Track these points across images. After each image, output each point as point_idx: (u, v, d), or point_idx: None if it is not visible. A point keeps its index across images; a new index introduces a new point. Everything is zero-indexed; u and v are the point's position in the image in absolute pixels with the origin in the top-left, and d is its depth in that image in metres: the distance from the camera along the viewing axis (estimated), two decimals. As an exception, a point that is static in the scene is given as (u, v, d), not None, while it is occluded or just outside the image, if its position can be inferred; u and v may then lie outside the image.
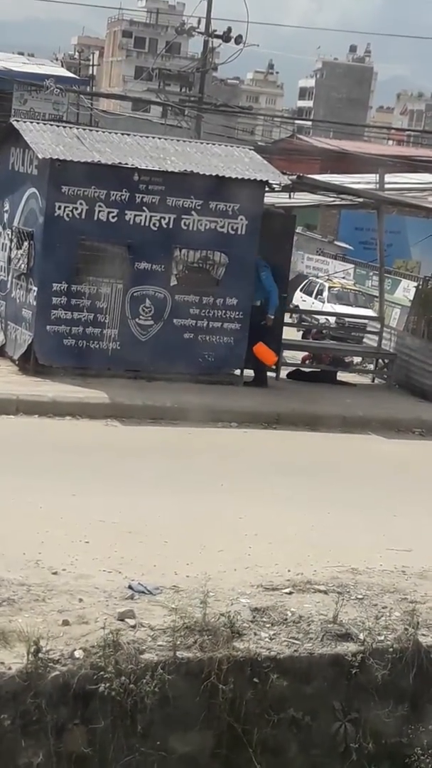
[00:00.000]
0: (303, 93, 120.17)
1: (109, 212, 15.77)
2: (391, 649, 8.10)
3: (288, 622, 8.13)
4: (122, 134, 17.49)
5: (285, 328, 18.76)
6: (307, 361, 19.99)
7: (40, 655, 7.09)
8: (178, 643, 7.53)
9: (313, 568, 9.28)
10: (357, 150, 40.71)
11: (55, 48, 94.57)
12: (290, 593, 8.63)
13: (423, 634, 8.27)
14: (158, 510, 10.46)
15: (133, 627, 7.65)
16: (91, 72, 66.35)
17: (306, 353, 20.36)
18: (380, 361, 20.23)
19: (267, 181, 16.97)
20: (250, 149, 18.84)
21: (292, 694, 7.75)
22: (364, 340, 21.83)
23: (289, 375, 18.78)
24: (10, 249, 16.76)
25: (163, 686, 7.30)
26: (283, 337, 18.33)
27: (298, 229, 29.82)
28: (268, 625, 8.05)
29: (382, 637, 8.18)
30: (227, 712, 7.53)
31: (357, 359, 21.16)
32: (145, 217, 15.97)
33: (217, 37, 40.57)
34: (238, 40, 39.44)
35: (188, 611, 7.89)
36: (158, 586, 8.39)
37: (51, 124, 18.14)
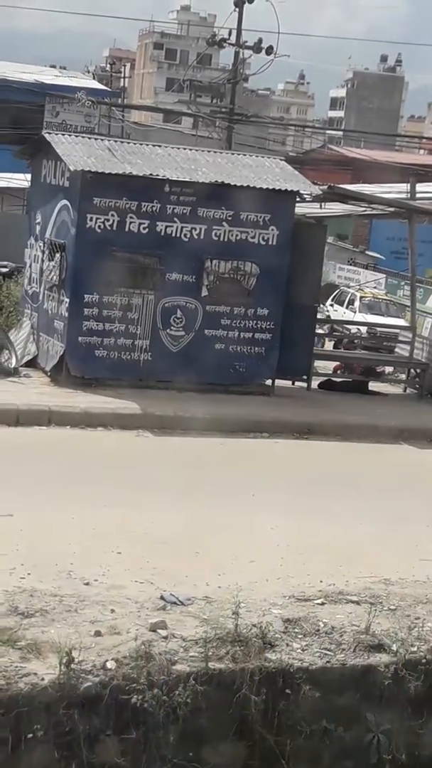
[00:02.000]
0: (334, 103, 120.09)
1: (140, 223, 15.82)
2: (424, 660, 8.06)
3: (320, 633, 8.11)
4: (153, 146, 17.54)
5: (316, 338, 18.73)
6: (338, 371, 19.96)
7: (73, 665, 7.09)
8: (210, 654, 7.52)
9: (346, 578, 9.25)
10: (388, 159, 40.62)
11: (87, 60, 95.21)
12: (322, 604, 8.61)
13: (456, 646, 8.22)
14: (190, 521, 10.46)
15: (165, 638, 7.65)
16: (122, 84, 66.68)
17: (338, 363, 20.33)
18: (412, 370, 20.16)
19: (298, 191, 16.97)
20: (281, 159, 18.85)
21: (325, 705, 7.72)
22: (396, 349, 21.76)
23: (320, 385, 18.76)
24: (42, 261, 16.85)
25: (195, 697, 7.29)
26: (315, 347, 18.31)
27: (330, 239, 29.81)
28: (300, 636, 8.03)
29: (415, 648, 8.13)
30: (259, 724, 7.50)
31: (389, 369, 21.10)
32: (177, 228, 16.01)
33: (248, 48, 40.58)
34: (269, 50, 39.45)
35: (220, 622, 7.88)
36: (190, 597, 8.39)
37: (82, 136, 18.23)
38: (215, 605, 8.25)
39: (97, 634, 7.56)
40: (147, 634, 7.64)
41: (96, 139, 18.29)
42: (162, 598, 8.31)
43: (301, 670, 7.68)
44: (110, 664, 7.25)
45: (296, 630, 8.09)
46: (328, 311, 29.00)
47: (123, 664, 7.27)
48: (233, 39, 41.09)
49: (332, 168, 41.77)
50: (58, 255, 16.13)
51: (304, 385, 18.17)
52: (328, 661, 7.82)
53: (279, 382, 17.29)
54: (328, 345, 22.67)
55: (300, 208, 18.21)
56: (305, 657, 7.80)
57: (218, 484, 12.05)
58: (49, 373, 16.18)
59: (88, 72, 70.00)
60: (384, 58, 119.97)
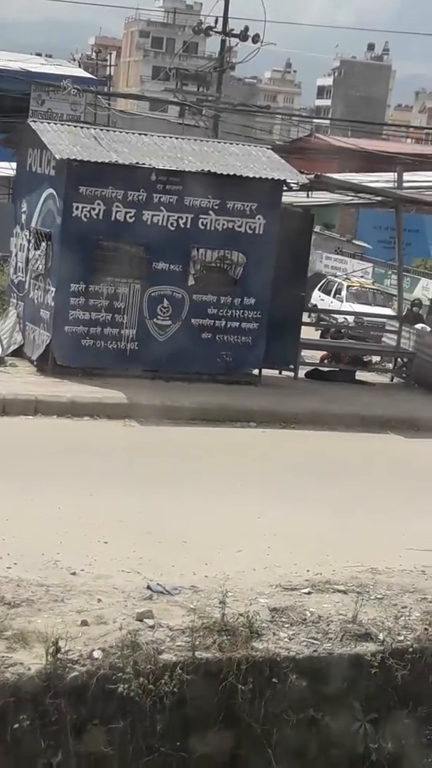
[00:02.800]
0: (321, 92, 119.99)
1: (126, 212, 15.78)
2: (411, 650, 8.07)
3: (307, 622, 8.12)
4: (139, 134, 17.49)
5: (303, 327, 18.73)
6: (325, 361, 19.96)
7: (59, 655, 7.09)
8: (197, 643, 7.52)
9: (332, 567, 9.25)
10: (375, 148, 40.61)
11: (73, 49, 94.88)
12: (309, 593, 8.61)
13: (443, 634, 8.24)
14: (176, 510, 10.46)
15: (152, 627, 7.64)
16: (108, 72, 66.44)
17: (324, 352, 20.33)
18: (399, 360, 20.18)
19: (285, 180, 16.94)
20: (268, 148, 18.81)
21: (312, 694, 7.73)
22: (383, 339, 21.78)
23: (307, 374, 18.76)
24: (28, 250, 16.80)
25: (182, 686, 7.29)
26: (302, 336, 18.31)
27: (317, 228, 29.78)
28: (287, 626, 8.03)
29: (402, 637, 8.15)
30: (246, 713, 7.51)
31: (376, 358, 21.11)
32: (163, 216, 15.97)
33: (235, 36, 40.52)
34: (256, 39, 39.41)
35: (207, 611, 7.88)
36: (177, 587, 8.38)
37: (68, 125, 18.17)
38: (202, 595, 8.24)
39: (84, 623, 7.55)
40: (134, 623, 7.63)
41: (82, 127, 18.22)
42: (149, 587, 8.30)
43: (287, 660, 7.68)
44: (97, 654, 7.25)
45: (283, 619, 8.10)
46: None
47: (110, 654, 7.27)
48: (219, 27, 41.04)
49: (319, 157, 41.72)
50: (44, 244, 16.07)
51: (291, 374, 18.17)
52: (315, 650, 7.83)
53: (266, 372, 17.28)
54: (315, 334, 22.66)
55: (287, 197, 18.17)
56: (292, 646, 7.80)
57: (205, 474, 12.04)
58: (35, 363, 16.14)
59: (74, 60, 69.83)
60: (371, 47, 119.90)
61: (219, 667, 7.47)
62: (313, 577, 8.99)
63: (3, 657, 7.05)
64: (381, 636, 8.09)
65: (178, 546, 9.44)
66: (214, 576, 8.65)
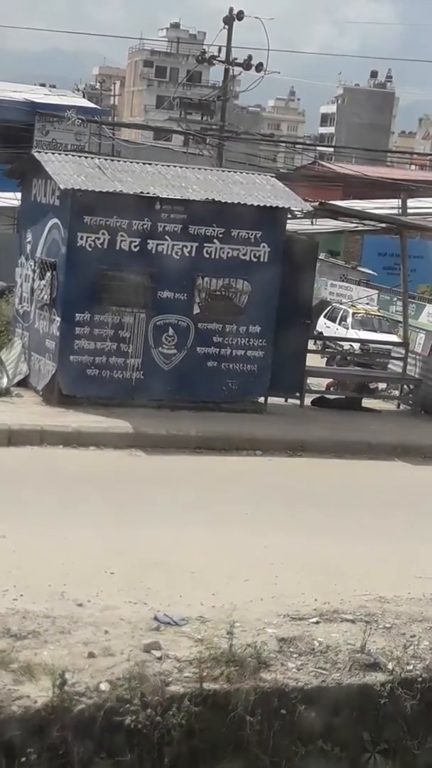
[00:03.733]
0: (324, 119, 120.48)
1: (131, 242, 15.81)
2: (420, 679, 8.02)
3: (315, 652, 8.07)
4: (144, 163, 17.55)
5: (309, 354, 18.72)
6: (331, 388, 19.95)
7: (66, 687, 7.05)
8: (205, 674, 7.47)
9: (340, 597, 9.20)
10: (379, 175, 40.73)
11: (77, 79, 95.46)
12: (317, 623, 8.56)
13: (452, 663, 8.18)
14: (183, 540, 10.42)
15: (159, 658, 7.60)
16: (112, 102, 66.86)
17: (330, 380, 20.31)
18: (405, 386, 20.14)
19: (289, 208, 16.98)
20: (272, 176, 18.86)
21: (321, 725, 7.67)
22: (389, 365, 21.76)
23: (313, 402, 18.73)
24: (33, 280, 16.83)
25: (189, 718, 7.24)
26: (307, 363, 18.30)
27: (321, 256, 29.85)
28: (295, 656, 7.98)
29: (411, 667, 8.09)
30: (255, 744, 7.45)
31: (382, 385, 21.08)
32: (168, 245, 16.01)
33: (238, 65, 40.74)
34: (259, 67, 39.61)
35: (214, 642, 7.83)
36: (184, 617, 8.34)
37: (73, 155, 18.25)
38: (209, 625, 8.20)
39: (91, 655, 7.51)
40: (141, 655, 7.59)
41: (86, 157, 18.30)
42: (156, 618, 8.26)
43: (296, 690, 7.63)
44: (104, 686, 7.20)
45: (291, 649, 8.05)
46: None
47: (117, 686, 7.22)
48: (223, 56, 41.25)
49: (323, 184, 41.87)
50: (48, 274, 16.10)
51: (297, 402, 18.15)
52: (323, 681, 7.78)
53: (272, 400, 17.25)
54: (321, 362, 22.65)
55: (291, 225, 18.22)
56: (300, 676, 7.75)
57: (212, 503, 12.00)
58: (40, 393, 16.13)
59: (78, 90, 70.21)
60: (374, 74, 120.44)
61: (227, 699, 7.42)
62: (320, 606, 8.94)
63: (10, 690, 7.00)
64: (390, 665, 8.03)
65: (185, 576, 9.40)
66: (221, 606, 8.61)
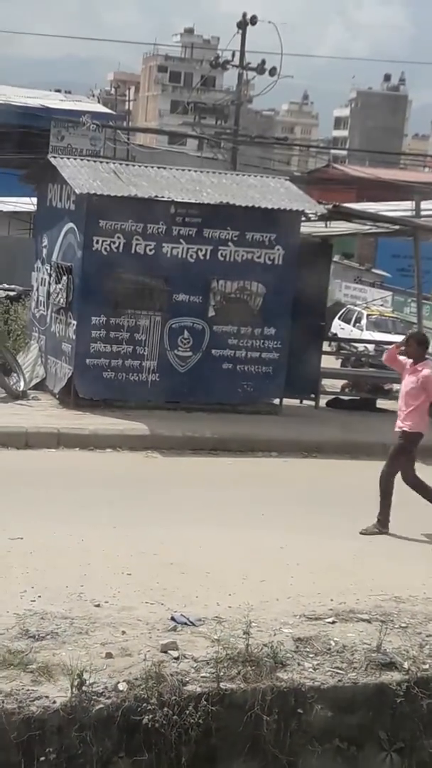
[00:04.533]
0: (338, 122, 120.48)
1: (146, 245, 15.88)
2: (436, 678, 8.03)
3: (331, 652, 8.09)
4: (158, 168, 17.62)
5: (324, 356, 18.75)
6: (346, 389, 19.96)
7: (84, 688, 7.09)
8: (222, 674, 7.50)
9: (356, 596, 9.23)
10: (393, 178, 40.72)
11: (92, 84, 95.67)
12: (333, 623, 8.59)
13: (468, 663, 8.19)
14: (200, 541, 10.46)
15: (176, 659, 7.64)
16: (127, 107, 66.99)
17: (345, 381, 20.32)
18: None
19: (303, 210, 17.02)
20: (286, 179, 18.91)
21: (337, 724, 7.70)
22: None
23: (328, 403, 18.76)
24: (49, 284, 16.92)
25: (207, 718, 7.27)
26: (322, 365, 18.32)
27: (335, 258, 29.86)
28: (311, 655, 8.01)
29: (427, 666, 8.10)
30: (272, 744, 7.48)
31: (396, 386, 21.06)
32: (182, 249, 16.07)
33: (252, 69, 40.82)
34: (273, 71, 39.69)
35: (231, 642, 7.87)
36: (201, 618, 8.37)
37: (88, 160, 18.32)
38: (226, 625, 8.23)
39: (108, 655, 7.55)
40: (158, 655, 7.63)
41: (101, 162, 18.36)
42: (173, 618, 8.30)
43: (312, 690, 7.66)
44: (122, 686, 7.24)
45: (307, 649, 8.07)
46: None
47: (134, 686, 7.26)
48: (237, 61, 41.32)
49: (337, 187, 41.86)
50: (64, 278, 16.18)
51: (312, 403, 18.18)
52: (339, 680, 7.80)
53: (287, 401, 17.29)
54: (336, 363, 22.67)
55: (305, 228, 18.25)
56: (317, 676, 7.77)
57: (228, 504, 12.04)
58: (57, 396, 16.21)
59: (93, 96, 70.34)
60: (387, 78, 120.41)
61: (244, 698, 7.46)
62: (336, 606, 8.96)
63: (28, 690, 7.05)
64: (406, 665, 8.05)
65: (201, 577, 9.44)
66: (237, 606, 8.64)
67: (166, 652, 7.69)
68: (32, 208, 21.10)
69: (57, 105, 38.82)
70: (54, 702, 7.01)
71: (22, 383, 16.45)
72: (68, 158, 18.03)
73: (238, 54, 41.13)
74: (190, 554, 10.01)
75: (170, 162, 25.91)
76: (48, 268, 17.09)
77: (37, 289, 17.87)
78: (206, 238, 16.19)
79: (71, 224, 16.28)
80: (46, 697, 7.03)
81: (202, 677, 7.49)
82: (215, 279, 16.31)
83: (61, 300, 16.25)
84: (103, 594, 8.67)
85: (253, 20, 39.84)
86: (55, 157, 18.08)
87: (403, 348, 11.83)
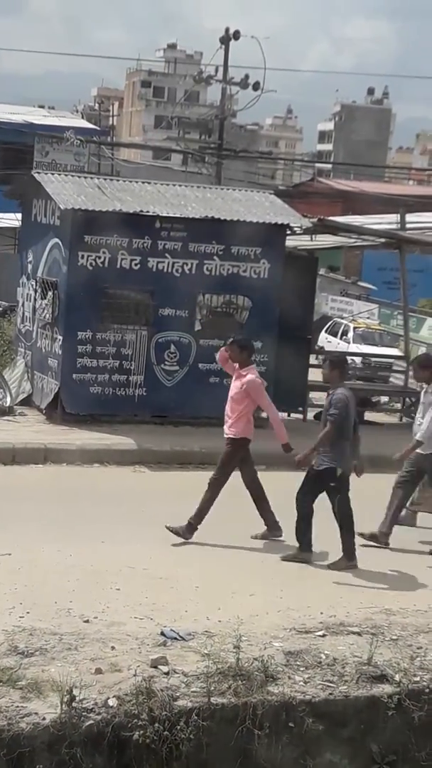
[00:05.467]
0: (322, 136, 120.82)
1: (131, 260, 15.89)
2: (427, 690, 8.01)
3: (322, 665, 8.06)
4: (143, 183, 17.64)
5: (311, 369, 18.74)
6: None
7: (74, 704, 7.05)
8: (212, 688, 7.47)
9: (346, 609, 9.21)
10: (378, 191, 40.86)
11: (75, 100, 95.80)
12: (323, 636, 8.56)
13: (459, 674, 8.17)
14: (188, 555, 10.44)
15: (167, 673, 7.60)
16: (111, 122, 67.10)
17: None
18: (407, 399, 20.16)
19: (288, 224, 17.05)
20: (271, 193, 18.95)
21: (329, 737, 7.67)
22: (390, 379, 21.80)
23: (316, 416, 18.73)
24: (35, 299, 16.90)
25: (198, 733, 7.24)
26: (309, 378, 18.32)
27: (321, 271, 29.89)
28: (302, 669, 7.99)
29: (418, 678, 8.09)
30: (264, 758, 7.45)
31: (384, 399, 21.10)
32: (168, 263, 16.08)
33: (235, 84, 40.88)
34: (256, 86, 39.73)
35: (221, 656, 7.84)
36: (190, 632, 8.34)
37: (72, 175, 18.34)
38: (216, 639, 8.20)
39: (98, 671, 7.51)
40: (148, 670, 7.60)
41: (86, 177, 18.41)
42: (162, 633, 8.27)
43: (303, 703, 7.63)
44: (112, 702, 7.21)
45: (298, 662, 8.05)
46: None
47: (124, 701, 7.23)
48: (220, 76, 41.42)
49: (322, 200, 41.98)
50: (50, 293, 16.17)
51: (300, 416, 18.17)
52: (330, 693, 7.77)
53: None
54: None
55: (291, 241, 18.29)
56: (308, 689, 7.75)
57: (217, 518, 11.99)
58: (44, 411, 16.18)
59: (77, 111, 70.47)
60: (371, 91, 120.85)
61: (235, 713, 7.43)
62: (327, 619, 8.94)
63: (18, 707, 7.01)
64: (397, 677, 8.03)
65: (190, 591, 9.41)
66: (227, 620, 8.61)
67: (156, 667, 7.66)
68: (17, 223, 21.08)
69: (41, 121, 38.89)
70: (44, 718, 6.96)
71: (8, 399, 16.41)
72: (52, 174, 18.03)
73: (221, 69, 41.25)
74: (179, 569, 9.98)
75: (155, 177, 25.95)
76: (33, 283, 17.08)
77: (23, 305, 17.84)
78: (192, 252, 16.19)
79: (56, 239, 16.27)
80: (36, 713, 6.99)
81: (192, 692, 7.45)
82: (201, 293, 16.32)
83: (47, 315, 16.23)
84: (92, 609, 8.64)
85: (236, 35, 39.93)
86: (39, 173, 18.09)
87: (228, 352, 11.69)
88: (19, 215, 19.49)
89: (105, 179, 18.85)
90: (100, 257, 15.74)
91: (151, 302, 16.07)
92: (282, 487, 11.64)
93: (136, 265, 15.93)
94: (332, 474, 10.71)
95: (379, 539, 11.50)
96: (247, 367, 11.43)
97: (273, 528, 11.43)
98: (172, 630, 8.32)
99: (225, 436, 11.51)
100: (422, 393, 12.08)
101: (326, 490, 10.75)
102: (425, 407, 11.84)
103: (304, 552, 10.69)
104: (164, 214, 16.02)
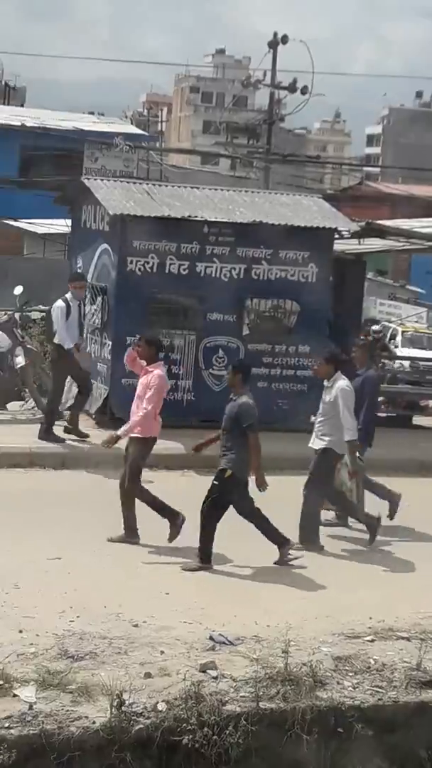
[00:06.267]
0: (370, 140, 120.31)
1: (180, 265, 15.93)
2: None
3: (371, 670, 8.05)
4: (191, 188, 17.68)
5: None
6: (382, 406, 19.87)
7: (124, 708, 7.08)
8: (261, 693, 7.48)
9: (395, 615, 9.18)
10: (426, 194, 40.63)
11: (125, 106, 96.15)
12: (372, 641, 8.55)
13: None
14: (238, 559, 10.44)
15: (215, 678, 7.62)
16: (160, 128, 67.19)
17: (381, 398, 20.23)
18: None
19: (336, 228, 17.02)
20: (318, 197, 18.93)
21: (378, 743, 7.65)
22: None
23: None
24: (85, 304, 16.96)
25: (246, 738, 7.24)
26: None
27: (369, 275, 29.78)
28: (351, 674, 7.97)
29: (468, 684, 8.04)
30: (312, 764, 7.44)
31: (433, 403, 20.97)
32: (216, 268, 16.11)
33: (283, 88, 40.85)
34: (304, 90, 39.66)
35: (270, 661, 7.85)
36: (239, 637, 8.36)
37: (121, 181, 18.41)
38: (264, 644, 8.21)
39: (147, 675, 7.55)
40: (197, 674, 7.62)
41: (135, 183, 18.46)
42: (211, 638, 8.29)
43: (353, 709, 7.62)
44: (161, 706, 7.23)
45: (347, 668, 8.04)
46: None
47: (174, 706, 7.25)
48: (268, 80, 41.41)
49: (370, 204, 41.82)
50: (99, 298, 16.26)
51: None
52: (379, 699, 7.75)
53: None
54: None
55: (339, 245, 18.24)
56: (357, 695, 7.74)
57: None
58: (93, 416, 16.25)
59: (126, 117, 70.68)
60: (419, 94, 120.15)
61: (283, 718, 7.42)
62: (375, 624, 8.92)
63: (68, 711, 7.06)
64: (447, 683, 7.99)
65: (239, 595, 9.43)
66: (275, 625, 8.62)
67: (204, 671, 7.68)
68: (67, 229, 21.21)
69: (90, 127, 39.08)
70: (93, 722, 7.00)
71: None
72: (102, 180, 18.15)
73: (269, 73, 41.23)
74: (228, 573, 10.00)
75: (203, 182, 26.00)
76: (83, 289, 17.14)
77: (73, 310, 17.91)
78: (240, 256, 16.21)
79: (105, 245, 16.36)
80: (86, 717, 7.03)
81: (241, 697, 7.46)
82: (249, 297, 16.32)
83: (96, 320, 16.32)
84: (141, 614, 8.68)
85: (284, 39, 39.89)
86: (88, 179, 18.19)
87: (138, 349, 11.53)
88: (68, 221, 19.61)
89: (154, 184, 18.93)
90: (148, 262, 15.80)
91: (199, 307, 16.11)
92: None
93: (184, 270, 15.97)
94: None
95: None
96: (155, 363, 11.25)
97: (133, 533, 11.01)
98: (220, 634, 8.34)
99: (131, 435, 11.15)
100: None
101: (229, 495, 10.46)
102: None
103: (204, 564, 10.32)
104: (212, 219, 16.06)
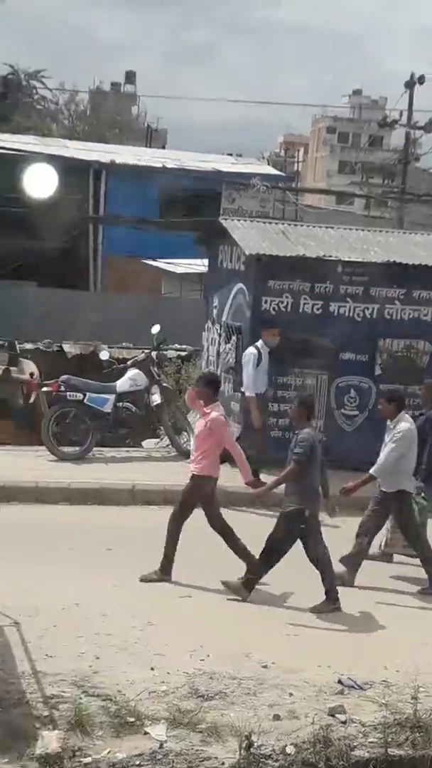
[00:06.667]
0: None
1: (314, 304, 15.97)
2: None
3: None
4: (326, 227, 17.73)
5: None
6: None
7: (252, 750, 7.08)
8: (390, 740, 7.40)
9: None
10: None
11: (262, 147, 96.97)
12: None
13: None
14: (364, 602, 10.34)
15: (344, 723, 7.57)
16: (296, 168, 67.61)
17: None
18: None
19: (471, 268, 16.82)
20: (454, 237, 18.75)
21: None
22: None
23: None
24: (219, 343, 17.14)
25: (375, 784, 7.17)
26: None
27: None
28: None
29: None
30: None
31: None
32: (349, 308, 16.09)
33: (419, 128, 40.74)
34: (440, 129, 39.49)
35: (399, 707, 7.76)
36: (368, 681, 8.28)
37: (257, 221, 18.58)
38: (393, 689, 8.12)
39: (276, 717, 7.53)
40: (325, 718, 7.58)
41: (270, 223, 18.61)
42: (340, 681, 8.23)
43: None
44: (289, 749, 7.21)
45: None
46: None
47: (302, 749, 7.21)
48: (404, 120, 41.33)
49: None
50: (234, 338, 16.38)
51: None
52: None
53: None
54: None
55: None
56: None
57: (401, 565, 11.87)
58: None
59: (263, 158, 71.31)
60: None
61: (412, 765, 7.33)
62: None
63: (197, 750, 7.08)
64: None
65: (367, 639, 9.35)
66: (405, 670, 8.50)
67: (333, 715, 7.63)
68: (203, 269, 21.47)
69: (228, 168, 39.50)
70: (223, 763, 7.02)
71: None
72: (238, 220, 18.34)
73: (405, 113, 41.17)
74: (355, 616, 9.91)
75: (337, 221, 26.01)
76: (218, 328, 17.33)
77: (207, 349, 18.11)
78: (373, 296, 16.17)
79: (241, 284, 16.50)
80: (215, 757, 7.05)
81: (369, 742, 7.39)
82: (382, 337, 16.25)
83: (231, 360, 16.44)
84: (269, 655, 8.66)
85: (421, 79, 39.84)
86: (225, 219, 18.40)
87: (196, 389, 11.22)
88: (205, 261, 19.85)
89: (289, 224, 19.02)
90: (283, 302, 15.88)
91: (331, 346, 16.09)
92: None
93: (317, 309, 16.00)
94: (300, 515, 10.35)
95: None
96: (212, 404, 11.15)
97: (165, 572, 10.80)
98: (349, 678, 8.28)
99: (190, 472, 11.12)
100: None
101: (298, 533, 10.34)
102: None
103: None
104: (346, 259, 16.07)
